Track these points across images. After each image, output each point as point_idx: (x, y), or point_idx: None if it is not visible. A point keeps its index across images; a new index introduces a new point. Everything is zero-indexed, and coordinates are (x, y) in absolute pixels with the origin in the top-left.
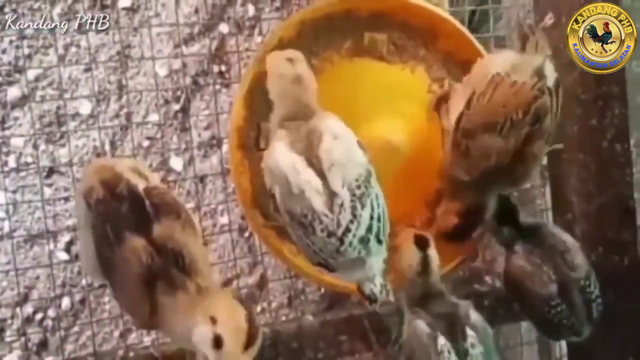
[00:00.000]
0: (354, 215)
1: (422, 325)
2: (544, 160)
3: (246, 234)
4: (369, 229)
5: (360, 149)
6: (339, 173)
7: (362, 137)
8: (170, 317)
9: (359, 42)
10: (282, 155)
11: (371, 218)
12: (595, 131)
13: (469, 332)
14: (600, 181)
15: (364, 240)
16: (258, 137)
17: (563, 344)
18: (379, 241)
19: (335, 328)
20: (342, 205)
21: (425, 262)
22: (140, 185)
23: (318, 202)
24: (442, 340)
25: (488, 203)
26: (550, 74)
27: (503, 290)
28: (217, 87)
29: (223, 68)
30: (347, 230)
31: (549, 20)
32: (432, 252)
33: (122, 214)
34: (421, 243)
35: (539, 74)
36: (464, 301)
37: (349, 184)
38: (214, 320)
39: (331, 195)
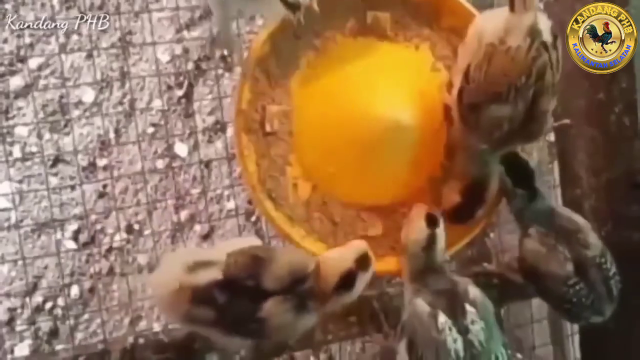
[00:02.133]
0: None
1: (422, 304)
2: (552, 137)
3: (253, 219)
4: None
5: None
6: None
7: (370, 117)
8: None
9: (361, 21)
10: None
11: None
12: (603, 105)
13: (469, 308)
14: (609, 156)
15: None
16: (263, 119)
17: None
18: None
19: (344, 309)
20: None
21: (431, 239)
22: (214, 273)
23: None
24: (442, 318)
25: (490, 181)
26: (545, 27)
27: (513, 268)
28: (220, 71)
29: (225, 52)
30: None
31: None
32: (440, 231)
33: (236, 315)
34: (431, 222)
35: (533, 31)
36: (463, 278)
37: None
38: None
39: None
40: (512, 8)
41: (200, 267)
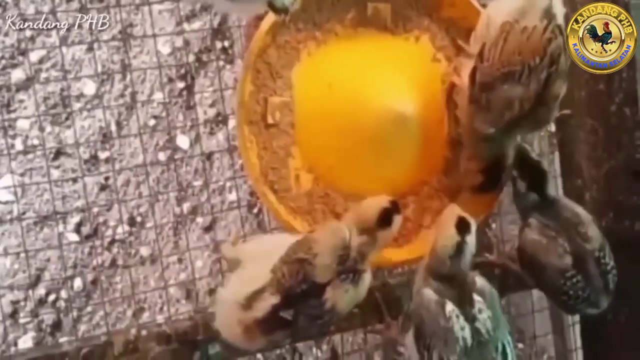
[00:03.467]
0: None
1: (429, 292)
2: (552, 127)
3: (255, 210)
4: None
5: None
6: None
7: (371, 109)
8: None
9: (362, 12)
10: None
11: None
12: (604, 96)
13: (476, 297)
14: (609, 146)
15: None
16: (265, 111)
17: None
18: None
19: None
20: None
21: (460, 247)
22: (268, 300)
23: None
24: (449, 306)
25: (507, 152)
26: (559, 11)
27: (514, 258)
28: (221, 63)
29: (226, 44)
30: None
31: None
32: (471, 239)
33: (307, 320)
34: (463, 227)
35: (549, 14)
36: (471, 271)
37: None
38: None
39: None
40: None
41: (253, 300)
